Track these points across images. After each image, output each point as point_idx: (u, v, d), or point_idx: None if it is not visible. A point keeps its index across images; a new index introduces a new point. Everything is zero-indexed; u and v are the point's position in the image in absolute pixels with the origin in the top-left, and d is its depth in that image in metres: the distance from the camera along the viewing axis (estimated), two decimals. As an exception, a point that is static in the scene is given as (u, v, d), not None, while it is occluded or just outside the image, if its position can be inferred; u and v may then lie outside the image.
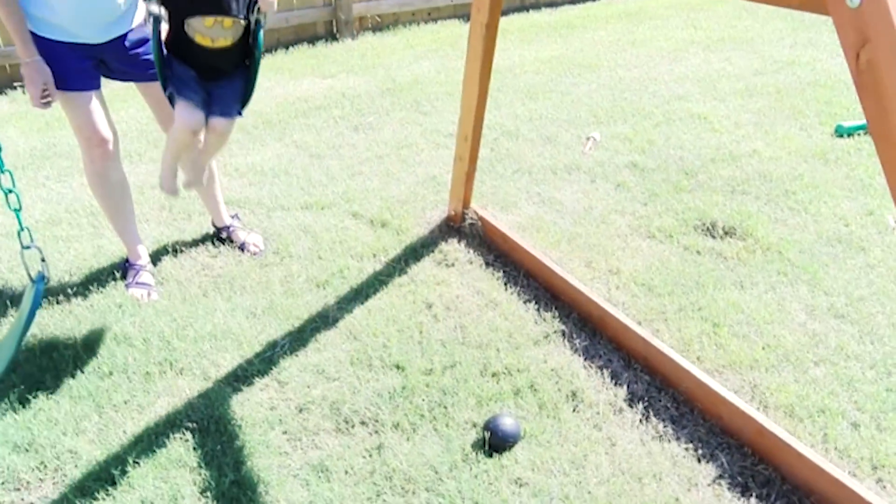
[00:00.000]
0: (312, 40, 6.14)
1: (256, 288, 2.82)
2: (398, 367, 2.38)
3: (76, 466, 2.05)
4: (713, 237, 3.05)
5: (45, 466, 2.07)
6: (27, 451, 2.11)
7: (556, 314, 2.61)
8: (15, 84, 5.09)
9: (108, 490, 1.97)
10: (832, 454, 2.02)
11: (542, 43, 5.92)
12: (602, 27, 6.28)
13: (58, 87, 2.44)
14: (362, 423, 2.18)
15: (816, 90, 4.56)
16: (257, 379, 2.36)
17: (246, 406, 2.25)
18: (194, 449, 2.10)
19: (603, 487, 1.94)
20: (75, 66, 2.45)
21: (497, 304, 2.68)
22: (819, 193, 3.34)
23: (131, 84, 2.70)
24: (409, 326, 2.57)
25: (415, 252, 3.02)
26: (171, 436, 2.14)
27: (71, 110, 2.53)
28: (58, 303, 2.74)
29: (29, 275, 2.21)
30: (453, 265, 2.93)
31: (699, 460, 2.02)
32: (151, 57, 2.58)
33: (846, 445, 2.04)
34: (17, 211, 2.15)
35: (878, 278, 2.73)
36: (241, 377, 2.37)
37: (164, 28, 2.24)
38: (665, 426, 2.13)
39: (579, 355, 2.42)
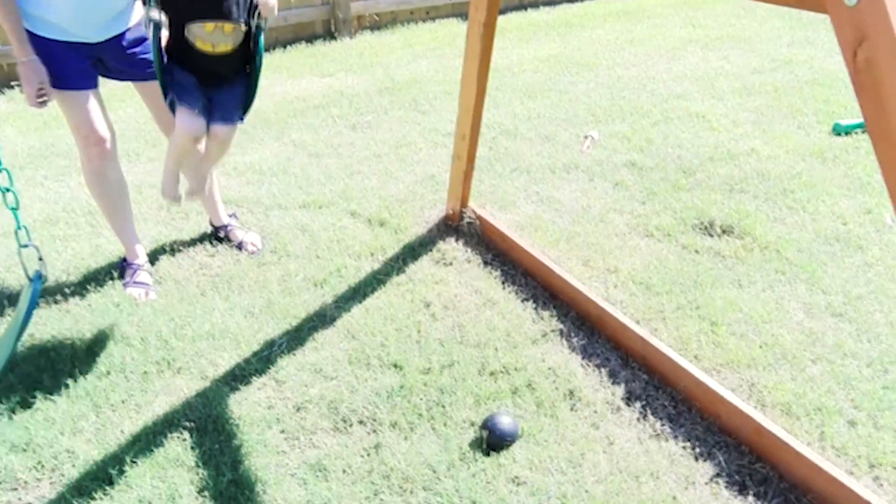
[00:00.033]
0: (311, 39, 6.14)
1: (254, 287, 2.82)
2: (396, 366, 2.38)
3: (74, 466, 2.05)
4: (711, 236, 3.06)
5: (43, 466, 2.06)
6: (24, 450, 2.11)
7: (554, 313, 2.61)
8: (12, 83, 5.08)
9: (105, 489, 1.97)
10: (829, 452, 2.02)
11: (541, 42, 5.91)
12: (600, 26, 6.27)
13: (56, 87, 2.43)
14: (360, 422, 2.18)
15: (814, 89, 4.56)
16: (255, 378, 2.36)
17: (244, 405, 2.25)
18: (192, 448, 2.10)
19: (601, 486, 1.94)
20: (73, 66, 2.45)
21: (495, 303, 2.68)
22: (817, 192, 3.34)
23: (129, 83, 2.70)
24: (407, 325, 2.57)
25: (413, 251, 3.02)
26: (168, 435, 2.14)
27: (69, 109, 2.52)
28: (55, 302, 2.73)
29: (26, 273, 2.21)
30: (451, 264, 2.93)
31: (697, 459, 2.02)
32: (149, 56, 2.58)
33: (843, 443, 2.04)
34: (15, 209, 2.14)
35: (876, 277, 2.74)
36: (238, 376, 2.37)
37: (165, 34, 2.23)
38: (663, 425, 2.13)
39: (577, 354, 2.42)
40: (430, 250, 3.02)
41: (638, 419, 2.16)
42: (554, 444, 2.07)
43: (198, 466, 2.04)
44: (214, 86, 2.33)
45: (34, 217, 3.35)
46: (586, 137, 4.00)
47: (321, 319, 2.62)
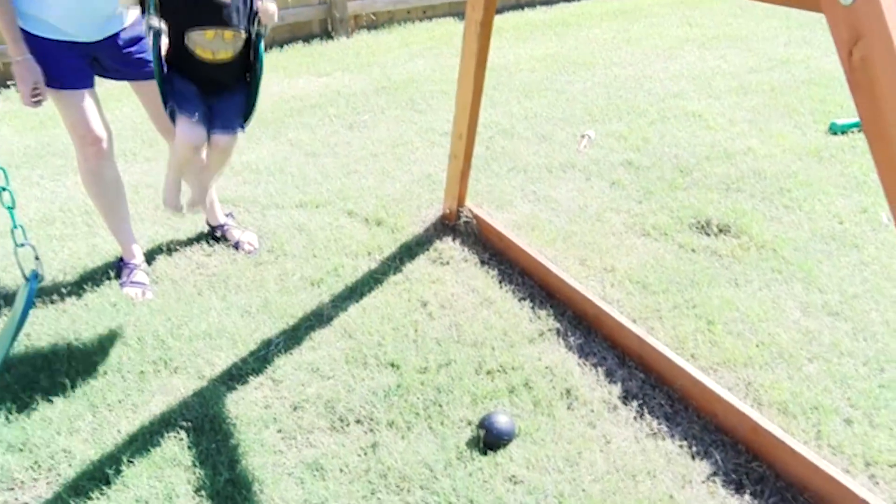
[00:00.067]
0: (307, 38, 6.13)
1: (251, 286, 2.82)
2: (393, 365, 2.38)
3: (70, 466, 2.05)
4: (708, 235, 3.06)
5: (39, 466, 2.06)
6: (21, 450, 2.10)
7: (551, 312, 2.61)
8: (8, 83, 5.07)
9: (102, 489, 1.97)
10: (825, 451, 2.02)
11: (537, 41, 5.92)
12: (597, 25, 6.28)
13: (51, 86, 2.43)
14: (357, 421, 2.18)
15: (810, 88, 4.57)
16: (252, 377, 2.36)
17: (240, 405, 2.25)
18: (189, 448, 2.10)
19: (597, 485, 1.94)
20: (69, 65, 2.45)
21: (492, 303, 2.68)
22: (813, 191, 3.35)
23: (125, 83, 2.69)
24: (404, 325, 2.57)
25: (410, 250, 3.02)
26: (165, 435, 2.14)
27: (64, 109, 2.52)
28: (52, 302, 2.73)
29: (23, 273, 2.21)
30: (448, 263, 2.93)
31: (693, 457, 2.02)
32: (145, 55, 2.58)
33: (839, 442, 2.04)
34: (11, 209, 2.14)
35: (872, 275, 2.74)
36: (235, 376, 2.37)
37: (165, 42, 2.21)
38: (659, 424, 2.14)
39: (574, 353, 2.42)
40: (427, 249, 3.02)
41: (635, 418, 2.16)
42: (551, 443, 2.07)
43: (195, 466, 2.04)
44: (215, 94, 2.31)
45: (30, 216, 3.34)
46: (583, 137, 4.00)
47: (318, 319, 2.62)
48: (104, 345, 2.50)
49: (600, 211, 3.28)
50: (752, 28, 5.93)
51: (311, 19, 6.14)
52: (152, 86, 2.36)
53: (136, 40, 2.55)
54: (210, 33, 2.17)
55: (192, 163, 2.38)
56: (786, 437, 1.94)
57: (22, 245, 2.18)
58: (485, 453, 2.04)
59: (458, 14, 6.63)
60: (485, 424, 2.06)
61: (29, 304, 2.16)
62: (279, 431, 2.15)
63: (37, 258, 2.21)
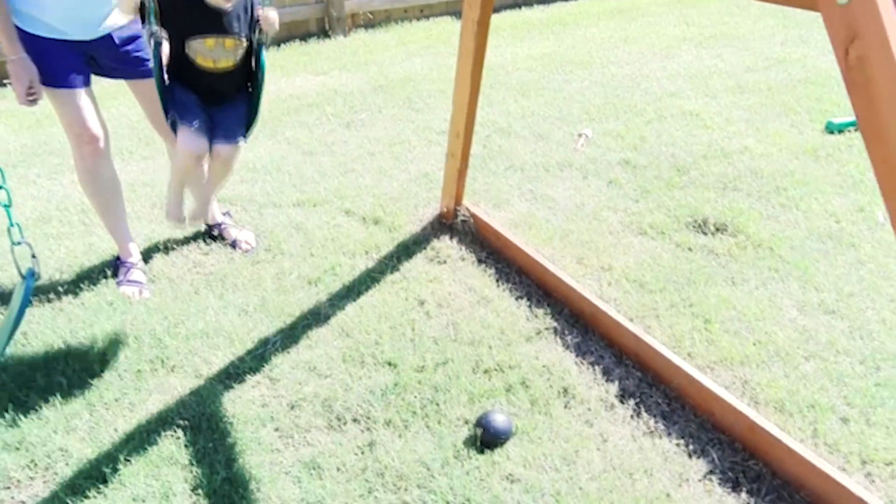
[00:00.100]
0: (305, 37, 6.13)
1: (248, 285, 2.81)
2: (390, 364, 2.38)
3: (67, 464, 2.05)
4: (705, 234, 3.06)
5: (36, 465, 2.06)
6: (17, 449, 2.10)
7: (548, 311, 2.61)
8: (4, 81, 5.06)
9: (99, 488, 1.97)
10: (822, 449, 2.03)
11: (535, 40, 5.92)
12: (594, 24, 6.28)
13: (47, 84, 2.42)
14: (354, 420, 2.18)
15: (807, 87, 4.57)
16: (249, 376, 2.36)
17: (238, 403, 2.25)
18: (186, 446, 2.10)
19: (594, 483, 1.94)
20: (65, 63, 2.44)
21: (489, 301, 2.68)
22: (810, 190, 3.35)
23: (122, 81, 2.69)
24: (401, 323, 2.57)
25: (407, 249, 3.02)
26: (162, 433, 2.14)
27: (61, 107, 2.52)
28: (48, 300, 2.72)
29: (19, 271, 2.20)
30: (445, 262, 2.93)
31: (690, 456, 2.02)
32: (142, 53, 2.57)
33: (836, 440, 2.05)
34: (8, 207, 2.14)
35: (869, 274, 2.75)
36: (232, 374, 2.37)
37: (166, 51, 2.18)
38: (656, 422, 2.14)
39: (571, 352, 2.42)
40: (425, 248, 3.02)
41: (632, 416, 2.16)
42: (548, 442, 2.08)
43: (192, 465, 2.04)
44: (216, 104, 2.29)
45: (27, 215, 3.34)
46: (580, 135, 4.01)
47: (315, 317, 2.62)
48: (101, 343, 2.50)
49: (597, 210, 3.28)
50: (749, 27, 5.94)
51: (308, 18, 6.14)
52: (149, 84, 2.35)
53: (133, 39, 2.54)
54: (210, 41, 2.16)
55: (194, 173, 2.37)
56: (782, 435, 1.94)
57: (18, 243, 2.18)
58: (482, 452, 2.05)
59: (456, 13, 6.62)
60: (482, 423, 2.06)
61: (25, 303, 2.16)
62: (276, 430, 2.15)
63: (33, 256, 2.20)
